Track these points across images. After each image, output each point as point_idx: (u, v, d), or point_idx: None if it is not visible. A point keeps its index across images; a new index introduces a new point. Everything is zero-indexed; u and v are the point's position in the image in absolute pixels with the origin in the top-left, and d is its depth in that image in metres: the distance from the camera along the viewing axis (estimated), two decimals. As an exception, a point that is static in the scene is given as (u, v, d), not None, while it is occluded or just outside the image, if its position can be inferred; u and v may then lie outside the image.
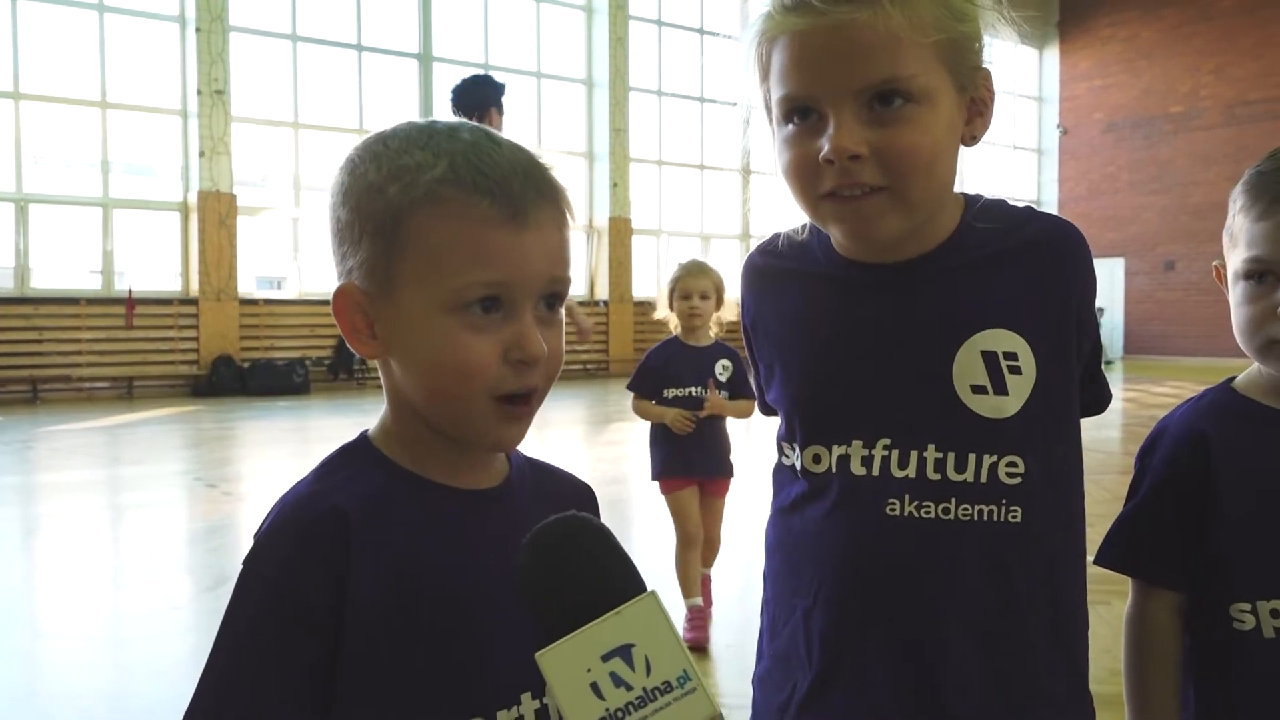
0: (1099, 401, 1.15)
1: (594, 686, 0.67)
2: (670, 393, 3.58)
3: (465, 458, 0.88)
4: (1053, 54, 22.76)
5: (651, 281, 17.06)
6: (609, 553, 0.73)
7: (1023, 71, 22.64)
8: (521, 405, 0.84)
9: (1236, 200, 1.18)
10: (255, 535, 0.82)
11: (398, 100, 15.05)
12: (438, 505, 0.85)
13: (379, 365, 0.88)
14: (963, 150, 1.04)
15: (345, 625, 0.78)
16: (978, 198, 1.08)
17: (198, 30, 12.91)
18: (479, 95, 5.16)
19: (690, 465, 3.59)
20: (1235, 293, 1.18)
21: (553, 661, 0.68)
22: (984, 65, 1.03)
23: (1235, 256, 1.17)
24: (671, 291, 3.65)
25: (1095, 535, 1.12)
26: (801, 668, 1.06)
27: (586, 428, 10.30)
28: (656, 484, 3.69)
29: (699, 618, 3.51)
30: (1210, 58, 20.25)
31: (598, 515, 0.99)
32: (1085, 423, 1.11)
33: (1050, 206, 22.88)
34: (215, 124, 13.06)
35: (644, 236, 17.18)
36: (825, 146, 0.95)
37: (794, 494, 1.10)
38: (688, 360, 3.61)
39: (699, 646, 3.36)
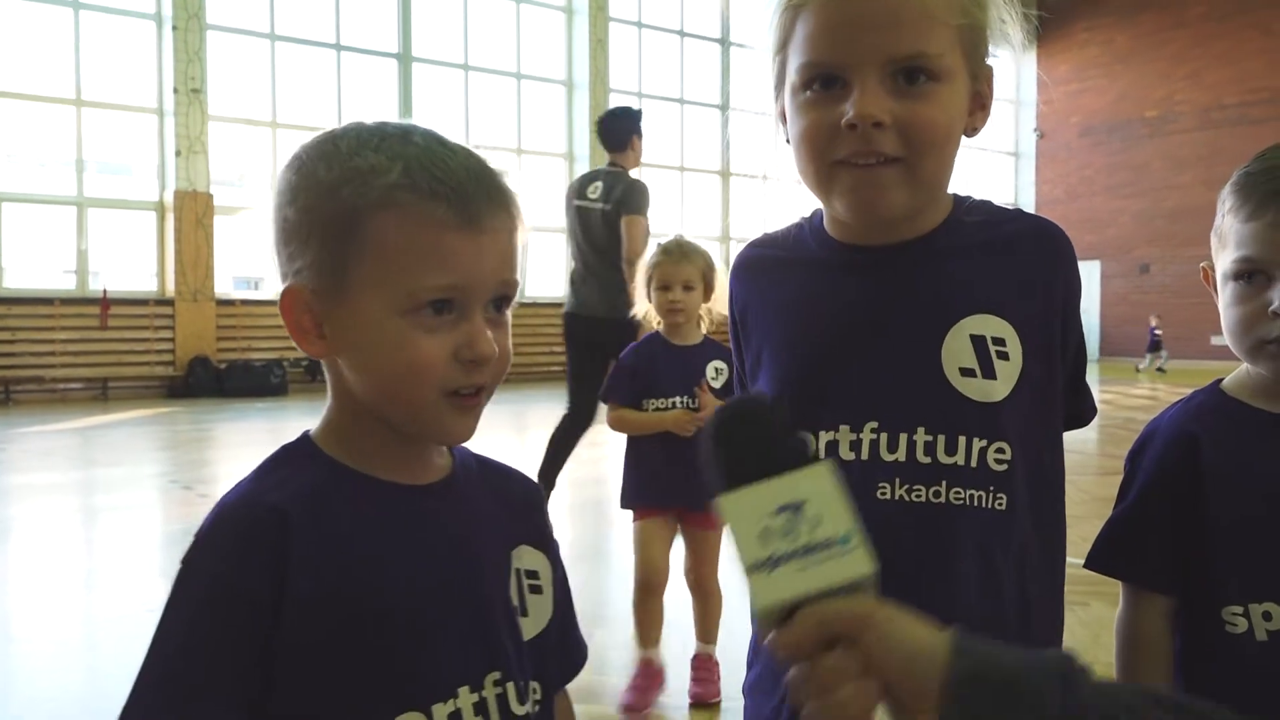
0: (1083, 414, 1.15)
1: (765, 531, 0.73)
2: (651, 404, 2.95)
3: (409, 453, 0.89)
4: (1030, 58, 22.92)
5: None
6: (790, 428, 0.80)
7: (1000, 75, 22.72)
8: (471, 399, 0.87)
9: (1225, 201, 1.18)
10: (196, 534, 0.83)
11: (377, 99, 14.99)
12: (379, 500, 0.86)
13: (325, 363, 0.89)
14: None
15: (284, 619, 0.79)
16: (966, 196, 1.10)
17: (174, 28, 12.81)
18: (625, 126, 5.32)
19: (667, 491, 2.93)
20: (1225, 293, 1.18)
21: (731, 505, 0.74)
22: (989, 61, 1.05)
23: (1225, 257, 1.18)
24: (649, 280, 3.02)
25: (1075, 536, 1.12)
26: None
27: (566, 429, 10.25)
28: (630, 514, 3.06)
29: (651, 679, 2.91)
30: (1184, 63, 20.46)
31: (544, 513, 1.01)
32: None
33: (1027, 209, 22.84)
34: (192, 123, 12.96)
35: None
36: (850, 111, 0.95)
37: None
38: (672, 362, 2.98)
39: None
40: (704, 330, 3.07)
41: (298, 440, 0.90)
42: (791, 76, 1.01)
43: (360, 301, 0.83)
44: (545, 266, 16.68)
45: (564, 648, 1.01)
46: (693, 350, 3.01)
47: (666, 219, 17.82)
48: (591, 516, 5.78)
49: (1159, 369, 18.18)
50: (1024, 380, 1.02)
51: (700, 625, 3.03)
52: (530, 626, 0.95)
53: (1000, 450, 1.01)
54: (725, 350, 2.81)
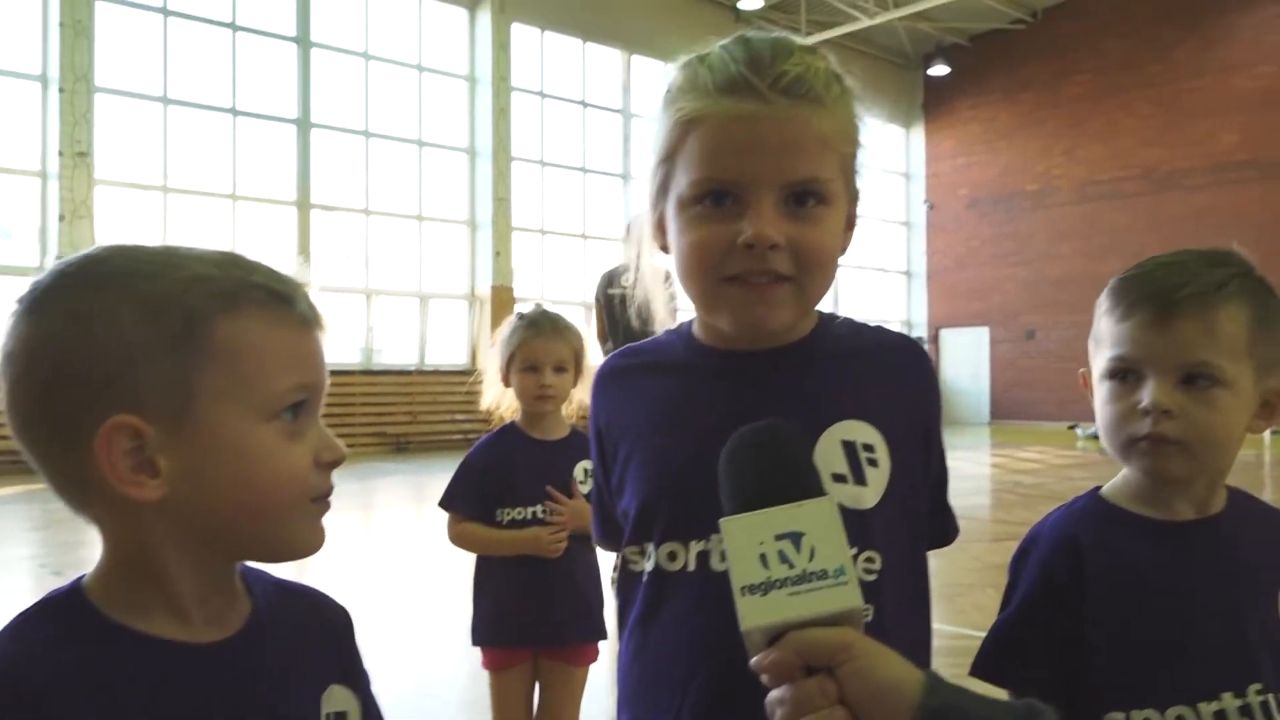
0: (946, 533, 1.15)
1: (762, 556, 0.77)
2: (507, 514, 2.39)
3: (208, 602, 0.81)
4: (918, 133, 23.93)
5: (535, 350, 17.00)
6: (803, 459, 0.83)
7: (891, 149, 23.70)
8: (325, 504, 0.83)
9: (1101, 304, 1.22)
10: None
11: (273, 166, 14.77)
12: (166, 668, 0.77)
13: (104, 511, 0.78)
14: None
15: None
16: (831, 312, 1.13)
17: (61, 90, 12.45)
18: None
19: (524, 629, 2.38)
20: (1100, 392, 1.21)
21: (735, 528, 0.78)
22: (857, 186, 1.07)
23: (1100, 358, 1.21)
24: (508, 360, 2.48)
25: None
26: None
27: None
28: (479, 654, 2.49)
29: None
30: (1061, 140, 21.61)
31: (353, 642, 0.94)
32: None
33: (920, 277, 23.85)
34: (77, 187, 12.55)
35: (527, 305, 17.12)
36: (747, 231, 0.96)
37: (649, 601, 1.04)
38: (533, 461, 2.42)
39: None
40: (570, 422, 2.53)
41: (67, 592, 0.79)
42: (681, 189, 1.01)
43: (212, 418, 0.77)
44: (445, 334, 16.52)
45: None
46: (558, 446, 2.46)
47: (571, 286, 17.88)
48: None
49: (1093, 434, 18.77)
50: (892, 489, 1.02)
51: None
52: None
53: (870, 559, 1.00)
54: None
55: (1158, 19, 20.15)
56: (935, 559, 1.14)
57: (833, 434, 1.02)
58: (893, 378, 1.08)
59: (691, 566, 1.01)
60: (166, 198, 13.61)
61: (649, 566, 1.04)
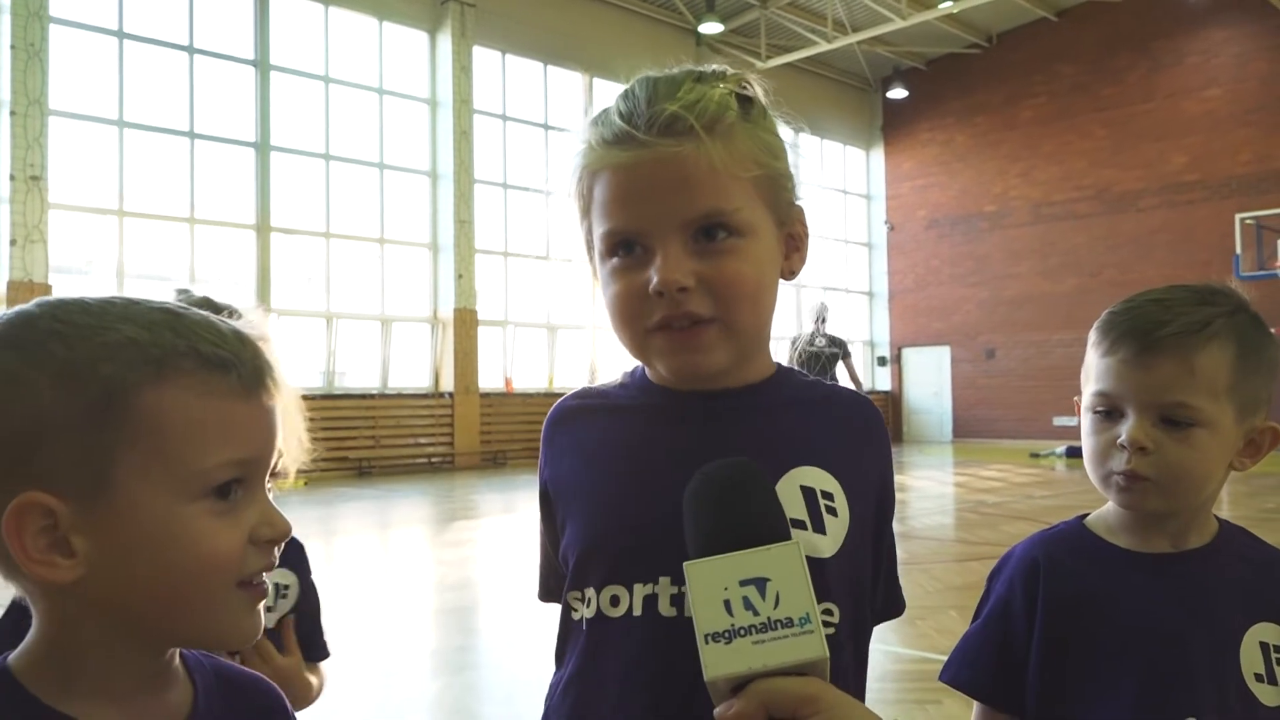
0: (893, 606, 1.12)
1: (726, 603, 0.75)
2: None
3: (138, 691, 0.76)
4: (878, 155, 24.22)
5: (497, 372, 16.92)
6: (769, 501, 0.81)
7: (852, 171, 23.97)
8: (259, 588, 0.77)
9: (1090, 338, 1.24)
10: None
11: (233, 189, 14.63)
12: None
13: (29, 587, 0.73)
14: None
15: None
16: (790, 367, 1.11)
17: (12, 114, 12.26)
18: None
19: None
20: (1084, 424, 1.24)
21: (698, 573, 0.76)
22: (797, 202, 1.05)
23: (1086, 391, 1.24)
24: None
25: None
26: None
27: (429, 526, 9.97)
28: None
29: None
30: (1017, 162, 21.98)
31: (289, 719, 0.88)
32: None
33: (881, 297, 24.09)
34: (30, 211, 12.34)
35: (490, 328, 17.09)
36: (654, 278, 0.95)
37: (587, 651, 0.99)
38: None
39: None
40: None
41: None
42: (597, 244, 1.01)
43: (133, 497, 0.71)
44: (408, 357, 16.41)
45: None
46: None
47: (534, 308, 17.85)
48: (454, 623, 5.55)
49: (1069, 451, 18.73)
50: (849, 540, 0.99)
51: None
52: None
53: (828, 612, 0.97)
54: (298, 554, 1.59)
55: (1109, 44, 20.60)
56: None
57: (792, 478, 0.99)
58: (851, 432, 1.06)
59: (637, 611, 0.96)
60: (123, 221, 13.43)
61: (589, 614, 0.99)
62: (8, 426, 0.70)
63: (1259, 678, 1.14)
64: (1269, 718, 1.14)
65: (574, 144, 1.02)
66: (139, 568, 0.72)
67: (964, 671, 1.26)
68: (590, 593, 0.99)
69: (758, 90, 1.02)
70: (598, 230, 1.00)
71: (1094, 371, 1.21)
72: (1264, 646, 1.16)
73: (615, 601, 0.97)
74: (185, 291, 1.57)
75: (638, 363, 1.08)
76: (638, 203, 0.96)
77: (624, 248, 0.98)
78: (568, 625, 1.03)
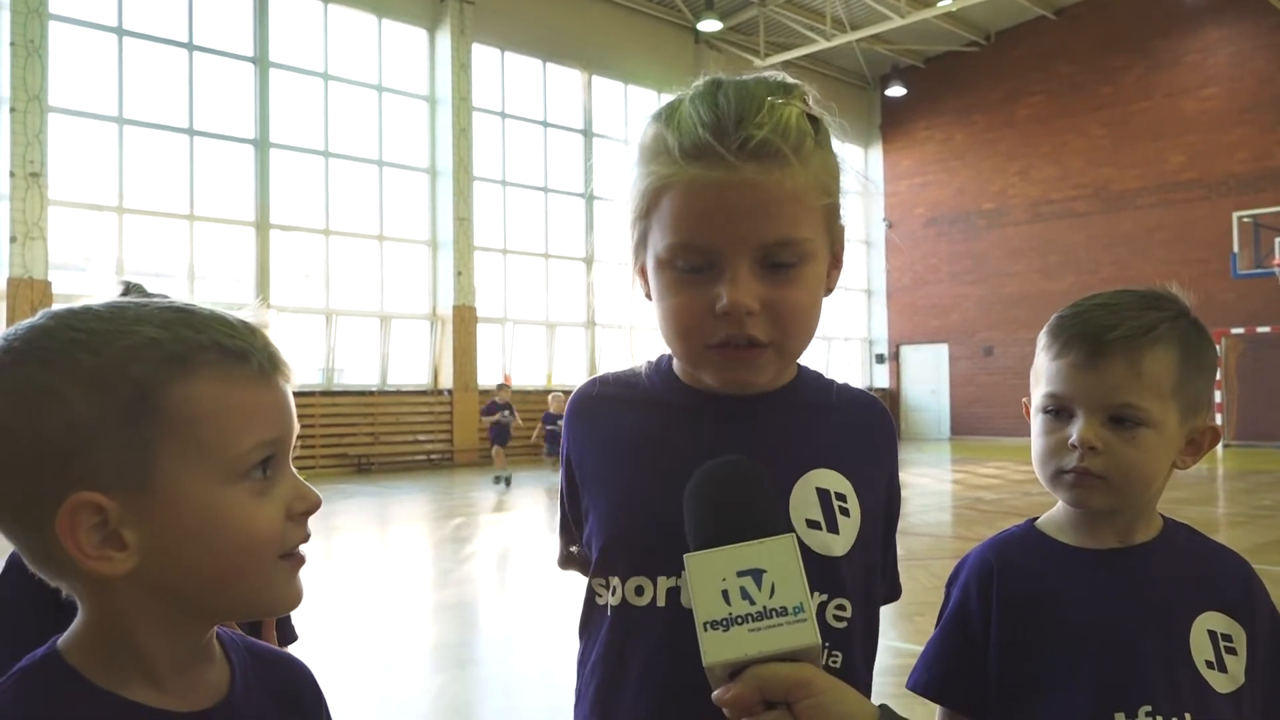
0: (893, 592, 1.17)
1: (724, 593, 0.79)
2: None
3: (189, 669, 0.81)
4: (876, 153, 24.24)
5: (496, 369, 16.94)
6: (765, 496, 0.85)
7: (851, 168, 23.94)
8: (300, 558, 0.83)
9: (1040, 341, 1.27)
10: None
11: (232, 186, 14.64)
12: None
13: (78, 584, 0.77)
14: None
15: None
16: (807, 366, 1.13)
17: (12, 110, 12.27)
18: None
19: None
20: (1034, 425, 1.27)
21: (698, 564, 0.81)
22: (841, 222, 1.07)
23: (1037, 392, 1.27)
24: None
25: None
26: None
27: (429, 523, 9.99)
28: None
29: None
30: (1015, 160, 22.01)
31: (321, 701, 0.94)
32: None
33: (880, 295, 24.11)
34: (30, 207, 12.36)
35: (489, 325, 17.11)
36: (724, 299, 0.96)
37: (613, 638, 1.03)
38: None
39: None
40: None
41: (43, 658, 0.77)
42: (658, 250, 1.00)
43: (177, 487, 0.75)
44: (407, 354, 16.42)
45: None
46: None
47: (533, 305, 17.87)
48: (454, 618, 5.58)
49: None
50: (860, 538, 1.03)
51: None
52: None
53: (840, 607, 1.01)
54: None
55: (1107, 43, 20.63)
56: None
57: (808, 480, 1.03)
58: (862, 433, 1.10)
59: (661, 602, 1.00)
60: (122, 218, 13.44)
61: (614, 601, 1.02)
62: (45, 438, 0.73)
63: (1210, 665, 1.18)
64: (1221, 704, 1.17)
65: (643, 137, 1.02)
66: (190, 551, 0.76)
67: (924, 676, 1.28)
68: (615, 581, 1.03)
69: (817, 109, 1.02)
70: (663, 239, 0.99)
71: (1044, 374, 1.24)
72: (1212, 635, 1.19)
73: (640, 591, 1.01)
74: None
75: (664, 352, 1.11)
76: (715, 221, 0.96)
77: (690, 261, 0.98)
78: (592, 606, 1.07)
